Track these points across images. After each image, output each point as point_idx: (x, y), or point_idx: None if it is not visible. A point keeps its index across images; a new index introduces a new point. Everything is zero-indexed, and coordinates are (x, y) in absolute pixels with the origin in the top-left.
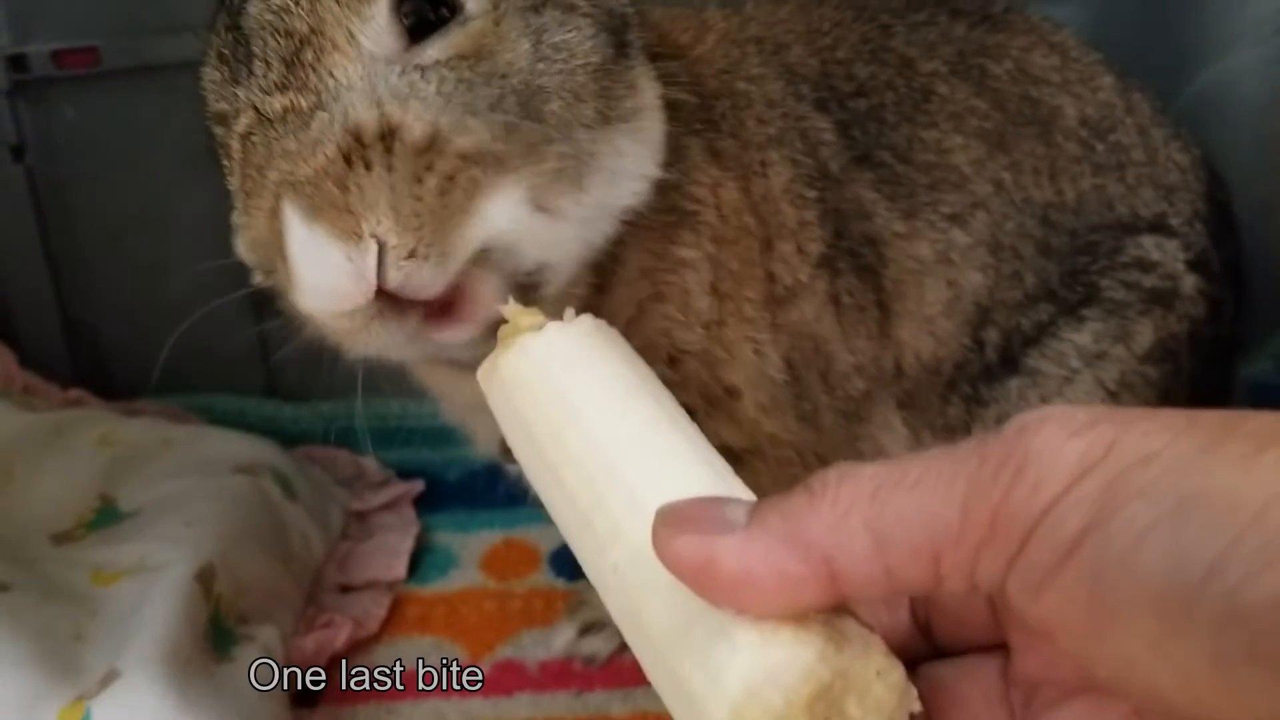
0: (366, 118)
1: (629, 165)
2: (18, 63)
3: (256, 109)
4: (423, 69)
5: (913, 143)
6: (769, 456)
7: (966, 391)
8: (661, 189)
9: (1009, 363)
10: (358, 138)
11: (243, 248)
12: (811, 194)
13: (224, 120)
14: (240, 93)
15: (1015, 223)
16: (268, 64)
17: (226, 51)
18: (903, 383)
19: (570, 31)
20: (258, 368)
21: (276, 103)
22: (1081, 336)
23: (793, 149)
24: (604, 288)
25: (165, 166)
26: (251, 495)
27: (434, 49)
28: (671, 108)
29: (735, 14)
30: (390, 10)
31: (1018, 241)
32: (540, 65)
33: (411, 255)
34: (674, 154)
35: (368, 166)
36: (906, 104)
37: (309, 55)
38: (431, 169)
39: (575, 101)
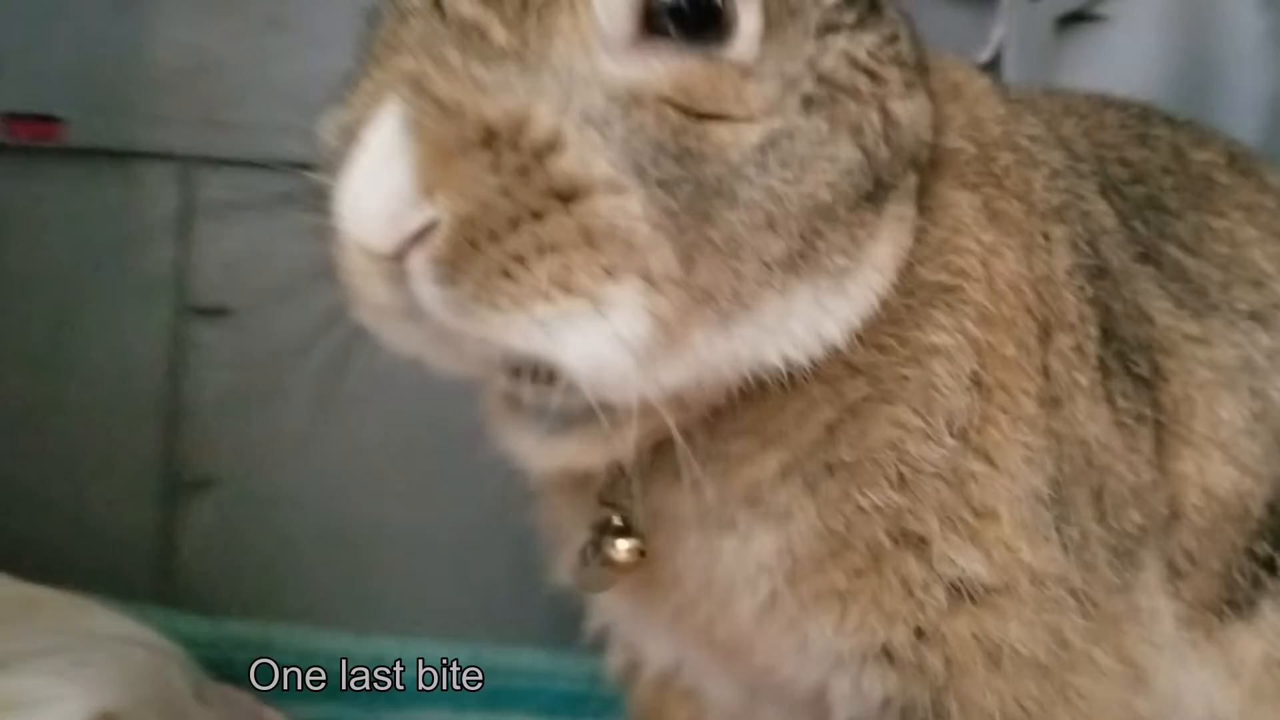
0: (540, 124)
1: (797, 327)
2: None
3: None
4: (634, 99)
5: (1201, 232)
6: (1025, 596)
7: (1265, 552)
8: (903, 266)
9: None
10: (516, 127)
11: (328, 132)
12: (1089, 289)
13: None
14: None
15: None
16: None
17: None
18: (1179, 535)
19: (822, 150)
20: (153, 562)
21: (469, 8)
22: None
23: (1074, 230)
24: (765, 392)
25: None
26: (151, 669)
27: (661, 61)
28: (937, 156)
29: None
30: None
31: None
32: (752, 167)
33: (449, 271)
34: (936, 213)
35: (495, 165)
36: (1188, 190)
37: None
38: (543, 218)
39: (766, 229)
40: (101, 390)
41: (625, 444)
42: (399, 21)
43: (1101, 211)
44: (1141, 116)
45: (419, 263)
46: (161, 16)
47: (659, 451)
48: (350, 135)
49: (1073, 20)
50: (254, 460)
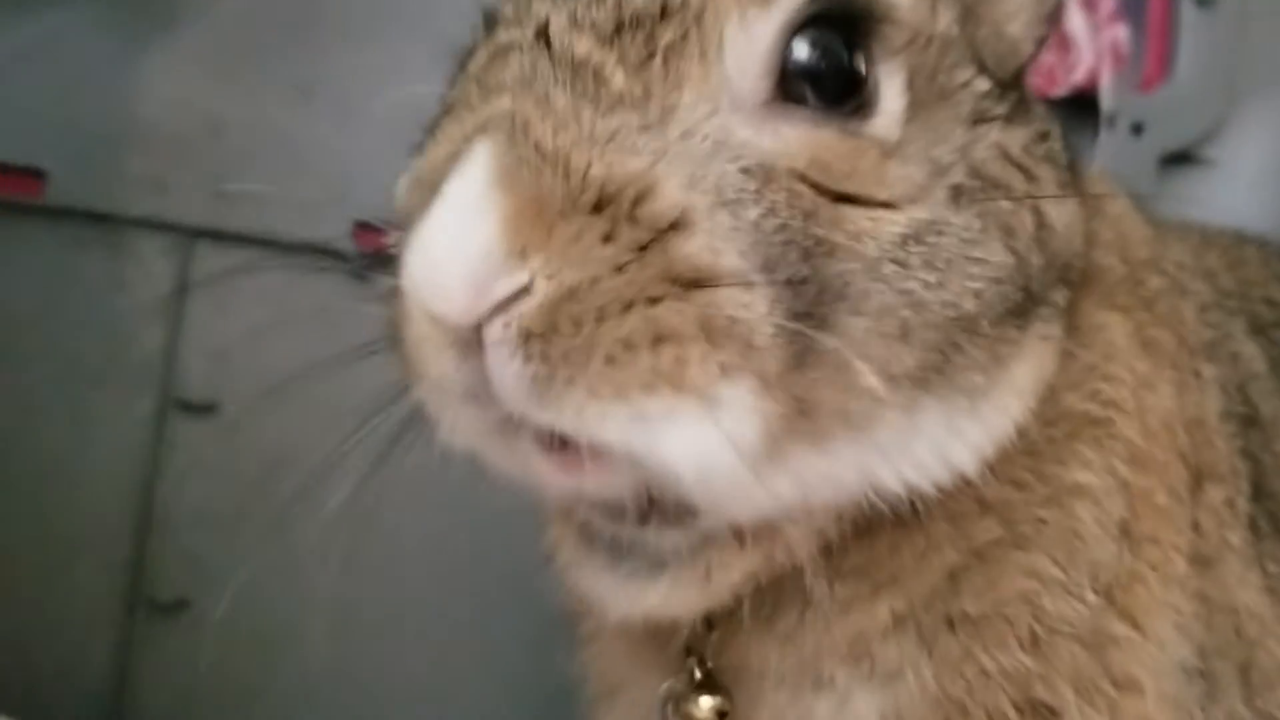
0: (667, 198)
1: (922, 450)
2: None
3: (546, 30)
4: (767, 173)
5: None
6: None
7: None
8: (1046, 392)
9: None
10: (637, 196)
11: (403, 185)
12: (1240, 438)
13: (491, 24)
14: (541, 6)
15: None
16: (605, 1)
17: None
18: None
19: (971, 250)
20: (108, 699)
21: (584, 45)
22: None
23: (1224, 371)
24: (881, 524)
25: None
26: None
27: (795, 130)
28: (1086, 272)
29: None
30: (780, 31)
31: None
32: (891, 264)
33: (541, 346)
34: (1085, 335)
35: (610, 235)
36: None
37: (668, 35)
38: (659, 303)
39: (897, 340)
40: (64, 491)
41: (724, 587)
42: (496, 58)
43: (1251, 354)
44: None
45: (500, 332)
46: (170, 71)
47: (748, 599)
48: (429, 187)
49: (1176, 160)
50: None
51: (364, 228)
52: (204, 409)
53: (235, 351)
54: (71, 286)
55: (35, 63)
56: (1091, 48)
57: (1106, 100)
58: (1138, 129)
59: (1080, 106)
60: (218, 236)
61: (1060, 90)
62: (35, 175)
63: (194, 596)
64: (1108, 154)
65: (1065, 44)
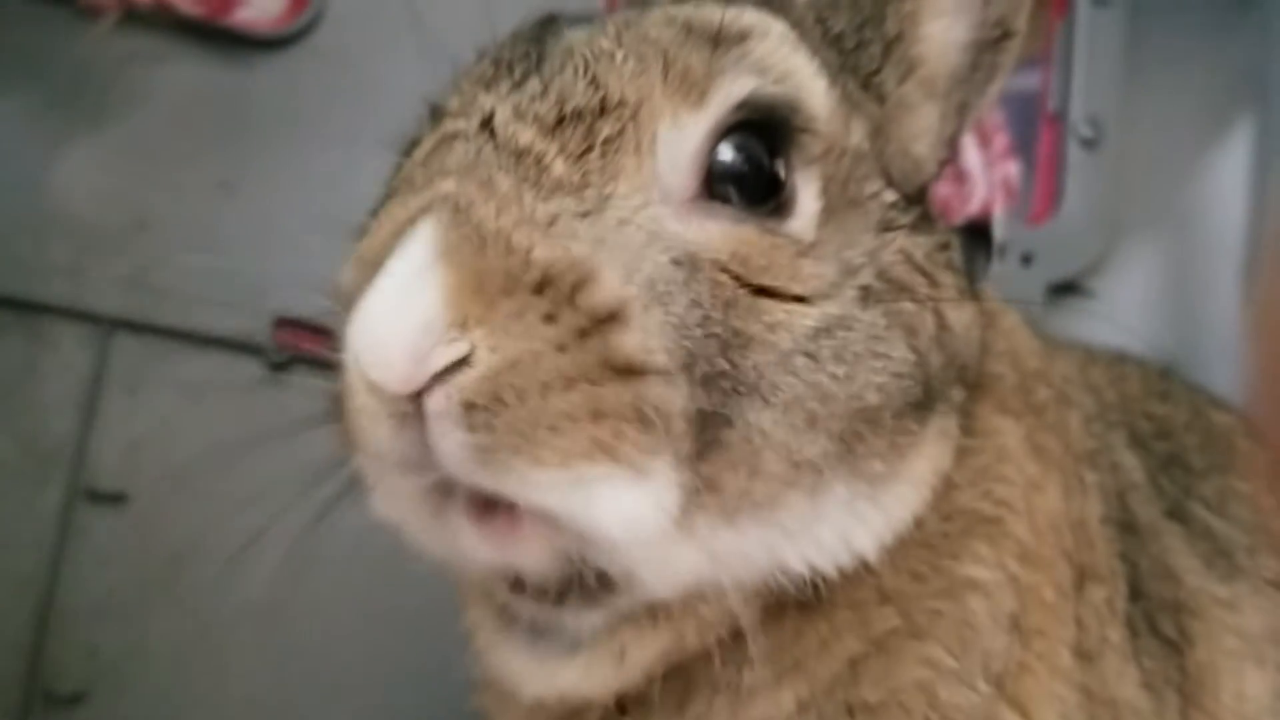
0: (606, 289)
1: (825, 533)
2: None
3: (490, 121)
4: (693, 265)
5: (1225, 495)
6: None
7: None
8: (942, 487)
9: None
10: (577, 282)
11: (347, 268)
12: (1118, 542)
13: (437, 116)
14: (486, 99)
15: None
16: (548, 95)
17: (505, 54)
18: None
19: (876, 347)
20: None
21: (527, 135)
22: None
23: (1105, 478)
24: (785, 609)
25: None
26: None
27: (718, 226)
28: (981, 377)
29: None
30: (708, 134)
31: None
32: (803, 358)
33: (484, 416)
34: (979, 437)
35: (551, 316)
36: (1211, 451)
37: (606, 129)
38: (598, 384)
39: (804, 429)
40: None
41: (637, 667)
42: (441, 145)
43: (1131, 464)
44: (1160, 374)
45: (441, 403)
46: (95, 164)
47: (659, 683)
48: (373, 264)
49: (1063, 290)
50: (134, 675)
51: (283, 323)
52: (113, 498)
53: (147, 442)
54: None
55: None
56: (985, 182)
57: (999, 231)
58: (1027, 259)
59: (974, 236)
60: (136, 327)
61: (956, 220)
62: None
63: (92, 689)
64: (999, 282)
65: (961, 177)
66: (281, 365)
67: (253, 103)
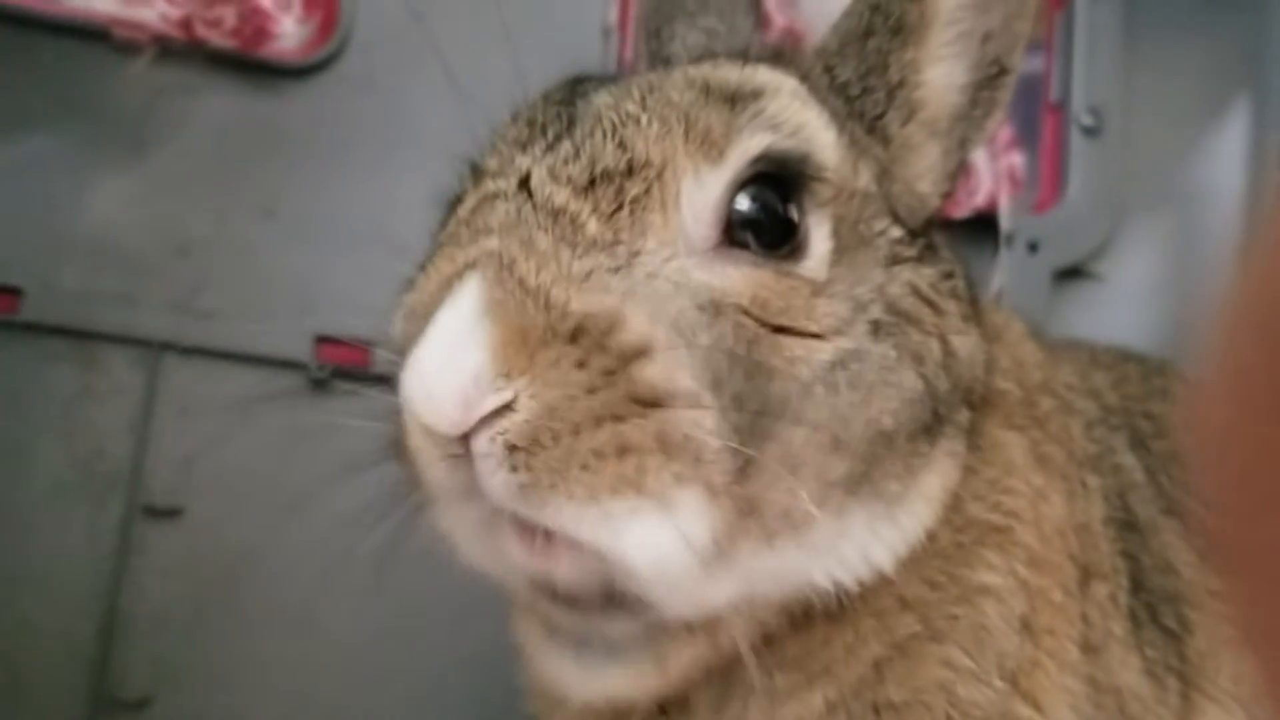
0: (633, 330)
1: (847, 550)
2: None
3: (528, 182)
4: (716, 308)
5: None
6: None
7: None
8: (953, 501)
9: None
10: (607, 328)
11: (399, 318)
12: (1120, 541)
13: (478, 175)
14: (523, 160)
15: None
16: (580, 158)
17: (538, 117)
18: None
19: (889, 376)
20: None
21: (562, 196)
22: None
23: (1107, 481)
24: (814, 618)
25: None
26: None
27: (739, 271)
28: (986, 396)
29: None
30: (728, 187)
31: None
32: (821, 386)
33: (525, 457)
34: (986, 452)
35: (583, 362)
36: None
37: (634, 189)
38: (624, 420)
39: (829, 451)
40: (32, 596)
41: (676, 672)
42: (483, 204)
43: (1131, 465)
44: (1161, 371)
45: (486, 444)
46: (138, 193)
47: (698, 687)
48: (423, 316)
49: (1069, 275)
50: (194, 679)
51: (324, 341)
52: (169, 513)
53: (199, 458)
54: (43, 397)
55: (11, 187)
56: (990, 174)
57: (1005, 221)
58: (1033, 247)
59: (981, 227)
60: (184, 349)
61: (963, 212)
62: (12, 292)
63: (156, 694)
64: (1007, 270)
65: (967, 170)
66: (322, 381)
67: (284, 129)
